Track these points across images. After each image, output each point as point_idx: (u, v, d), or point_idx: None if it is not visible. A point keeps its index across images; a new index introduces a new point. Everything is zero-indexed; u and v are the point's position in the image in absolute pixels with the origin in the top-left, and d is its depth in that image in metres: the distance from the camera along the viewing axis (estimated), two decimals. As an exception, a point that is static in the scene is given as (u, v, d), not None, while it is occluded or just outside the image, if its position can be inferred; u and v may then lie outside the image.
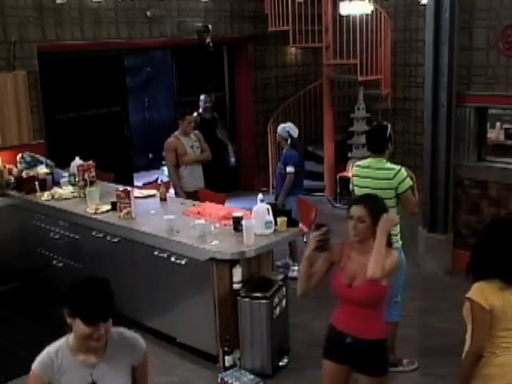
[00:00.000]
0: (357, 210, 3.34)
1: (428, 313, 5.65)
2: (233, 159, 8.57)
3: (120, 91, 8.81)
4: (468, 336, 3.09)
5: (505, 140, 8.28)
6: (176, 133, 6.82)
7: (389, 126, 4.80)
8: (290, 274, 6.31)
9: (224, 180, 9.22)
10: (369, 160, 4.71)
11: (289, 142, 6.61)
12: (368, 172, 4.64)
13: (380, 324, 3.39)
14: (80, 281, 2.55)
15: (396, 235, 4.65)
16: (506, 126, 8.34)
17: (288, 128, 6.65)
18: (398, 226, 4.66)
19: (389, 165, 4.60)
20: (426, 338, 5.26)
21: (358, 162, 4.89)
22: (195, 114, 8.24)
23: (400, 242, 4.69)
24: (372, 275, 3.18)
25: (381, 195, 4.49)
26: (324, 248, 3.41)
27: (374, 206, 3.38)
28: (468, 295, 3.02)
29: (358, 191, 4.73)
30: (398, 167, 4.56)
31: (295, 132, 6.64)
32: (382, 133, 4.72)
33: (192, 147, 6.81)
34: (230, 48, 10.01)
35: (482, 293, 2.97)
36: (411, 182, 4.55)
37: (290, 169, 6.44)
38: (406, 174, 4.53)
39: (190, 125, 6.82)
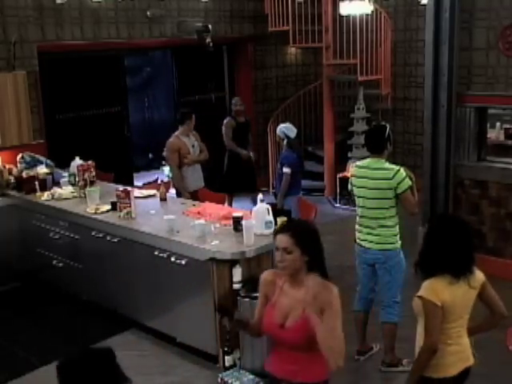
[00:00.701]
0: (282, 240, 2.86)
1: (428, 313, 5.64)
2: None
3: (120, 91, 8.82)
4: (420, 330, 3.15)
5: (505, 140, 8.27)
6: (177, 133, 6.84)
7: (387, 126, 4.80)
8: None
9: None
10: (367, 160, 4.71)
11: (285, 142, 6.60)
12: (365, 172, 4.64)
13: (319, 367, 2.91)
14: (76, 358, 1.99)
15: (396, 235, 4.66)
16: (506, 125, 8.34)
17: (284, 128, 6.63)
18: (398, 226, 4.67)
19: (388, 165, 4.60)
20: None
21: (357, 162, 4.88)
22: (228, 118, 8.22)
23: (400, 242, 4.69)
24: (335, 367, 2.79)
25: (380, 195, 4.51)
26: (245, 324, 3.04)
27: (302, 233, 2.90)
28: (420, 294, 3.06)
29: (356, 191, 4.74)
30: (396, 167, 4.56)
31: (292, 132, 6.61)
32: (381, 133, 4.71)
33: (193, 147, 6.85)
34: (230, 48, 10.02)
35: (434, 290, 3.03)
36: (410, 182, 4.54)
37: (285, 169, 6.43)
38: (405, 173, 4.53)
39: (193, 123, 6.88)
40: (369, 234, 4.67)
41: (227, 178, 8.18)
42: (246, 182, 8.19)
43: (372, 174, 4.59)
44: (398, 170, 4.53)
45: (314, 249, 2.90)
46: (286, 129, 6.62)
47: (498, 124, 8.27)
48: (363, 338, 5.03)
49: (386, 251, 4.63)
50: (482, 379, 4.65)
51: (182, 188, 6.75)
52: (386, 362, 4.87)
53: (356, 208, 4.84)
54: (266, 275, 3.08)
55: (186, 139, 6.81)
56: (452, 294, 3.06)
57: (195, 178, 6.90)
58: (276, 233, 2.95)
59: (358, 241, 4.81)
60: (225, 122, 8.19)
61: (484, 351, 5.03)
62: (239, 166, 8.14)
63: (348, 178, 9.06)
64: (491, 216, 6.46)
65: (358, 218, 4.79)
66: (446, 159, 6.53)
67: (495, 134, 8.24)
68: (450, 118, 6.44)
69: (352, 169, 4.86)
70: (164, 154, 6.97)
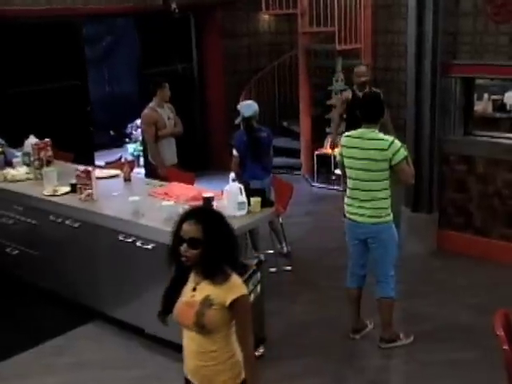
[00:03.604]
0: None
1: (412, 296, 5.73)
2: None
3: (78, 63, 8.68)
4: (213, 347, 2.93)
5: (493, 112, 8.36)
6: (151, 104, 6.85)
7: (381, 93, 4.88)
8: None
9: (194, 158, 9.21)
10: (360, 130, 4.75)
11: (237, 120, 6.37)
12: (358, 142, 4.69)
13: None
14: None
15: (388, 208, 4.75)
16: (495, 97, 8.41)
17: (239, 106, 6.43)
18: (390, 200, 4.73)
19: (382, 135, 4.67)
20: (409, 322, 5.34)
21: (348, 133, 4.94)
22: (348, 90, 7.51)
23: (392, 215, 4.78)
24: None
25: (373, 167, 4.60)
26: None
27: None
28: (242, 292, 2.90)
29: (347, 163, 4.77)
30: (391, 138, 4.64)
31: (248, 110, 6.25)
32: (377, 101, 4.79)
33: (168, 119, 6.88)
34: (198, 15, 9.92)
35: (242, 284, 2.96)
36: (406, 153, 4.65)
37: (233, 152, 6.32)
38: (399, 144, 4.62)
39: (167, 93, 6.87)
40: (360, 207, 4.73)
41: None
42: None
43: (366, 145, 4.64)
44: (393, 141, 4.61)
45: None
46: (242, 106, 6.39)
47: (485, 95, 8.34)
48: (357, 315, 5.13)
49: (379, 224, 4.71)
50: (469, 365, 4.75)
51: (160, 163, 6.78)
52: (384, 338, 5.00)
53: (347, 180, 4.87)
54: None
55: (161, 111, 6.84)
56: None
57: (170, 152, 6.95)
58: None
59: (347, 215, 4.86)
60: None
61: (470, 336, 5.16)
62: None
63: (326, 154, 9.17)
64: (478, 193, 6.53)
65: (348, 190, 4.85)
66: (430, 133, 6.56)
67: (483, 106, 8.31)
68: (434, 90, 6.46)
69: (342, 139, 4.88)
70: (141, 127, 6.94)
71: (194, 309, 2.88)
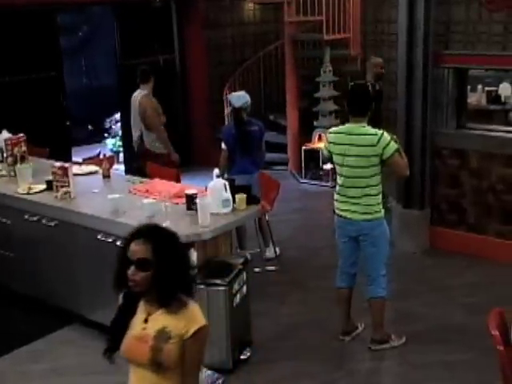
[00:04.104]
0: None
1: (404, 296, 5.75)
2: None
3: (53, 53, 8.65)
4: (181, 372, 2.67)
5: (487, 104, 8.39)
6: (145, 92, 7.06)
7: (369, 84, 4.89)
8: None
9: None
10: (347, 125, 4.76)
11: (226, 112, 6.49)
12: (347, 138, 4.69)
13: None
14: None
15: (379, 204, 4.77)
16: (489, 88, 8.45)
17: (230, 96, 6.52)
18: (381, 195, 4.75)
19: (371, 130, 4.68)
20: (401, 323, 5.36)
21: (334, 128, 4.95)
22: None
23: (383, 211, 4.80)
24: None
25: (364, 163, 4.61)
26: None
27: None
28: (203, 322, 2.65)
29: (337, 160, 4.78)
30: (380, 131, 4.65)
31: (238, 101, 6.28)
32: (365, 92, 4.80)
33: None
34: (179, 3, 9.90)
35: (201, 312, 2.72)
36: (396, 145, 4.66)
37: (222, 145, 6.36)
38: (389, 137, 4.64)
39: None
40: (352, 203, 4.75)
41: None
42: None
43: (355, 141, 4.65)
44: (382, 134, 4.62)
45: None
46: (232, 96, 6.46)
47: (479, 87, 8.39)
48: (348, 316, 5.15)
49: (370, 221, 4.73)
50: (463, 367, 4.79)
51: (170, 149, 7.14)
52: (375, 339, 5.01)
53: (337, 177, 4.90)
54: None
55: (154, 99, 7.07)
56: None
57: None
58: None
59: (338, 212, 4.87)
60: None
61: (464, 337, 5.19)
62: None
63: (315, 149, 9.18)
64: (472, 188, 6.56)
65: (338, 187, 4.87)
66: (421, 126, 6.58)
67: (476, 97, 8.35)
68: (426, 80, 6.48)
69: (328, 135, 4.89)
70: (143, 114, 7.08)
71: (148, 344, 2.62)
